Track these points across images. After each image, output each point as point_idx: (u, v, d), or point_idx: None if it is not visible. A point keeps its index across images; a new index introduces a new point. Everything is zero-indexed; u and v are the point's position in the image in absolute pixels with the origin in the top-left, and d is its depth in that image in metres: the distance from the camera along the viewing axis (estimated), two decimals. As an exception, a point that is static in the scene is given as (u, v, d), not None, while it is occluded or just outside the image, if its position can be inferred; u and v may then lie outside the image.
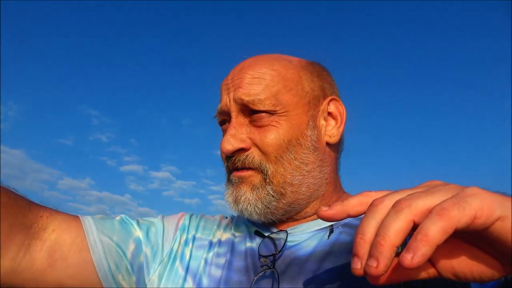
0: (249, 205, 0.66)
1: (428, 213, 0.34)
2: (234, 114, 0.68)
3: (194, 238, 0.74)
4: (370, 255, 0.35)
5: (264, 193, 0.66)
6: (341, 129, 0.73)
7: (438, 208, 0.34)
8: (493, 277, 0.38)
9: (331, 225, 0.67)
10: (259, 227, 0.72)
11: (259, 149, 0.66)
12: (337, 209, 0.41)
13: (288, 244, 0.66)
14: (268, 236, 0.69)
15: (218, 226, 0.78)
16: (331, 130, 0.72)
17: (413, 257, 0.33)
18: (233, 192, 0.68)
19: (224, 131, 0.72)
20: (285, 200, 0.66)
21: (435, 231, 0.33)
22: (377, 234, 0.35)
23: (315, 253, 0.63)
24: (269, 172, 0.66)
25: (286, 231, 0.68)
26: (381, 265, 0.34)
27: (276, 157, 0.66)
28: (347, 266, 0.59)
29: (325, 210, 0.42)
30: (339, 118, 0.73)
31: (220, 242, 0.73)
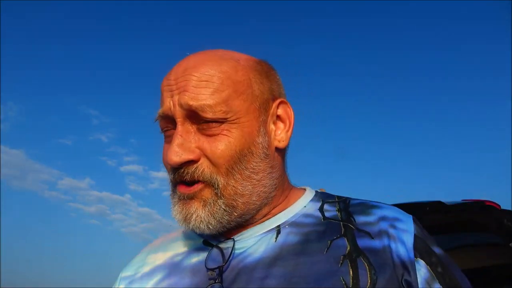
0: (201, 223, 0.62)
1: None
2: (180, 121, 0.62)
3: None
4: None
5: (216, 208, 0.62)
6: (289, 133, 0.70)
7: None
8: None
9: (278, 226, 0.65)
10: (207, 237, 0.68)
11: (209, 160, 0.62)
12: None
13: (236, 252, 0.64)
14: (216, 246, 0.66)
15: (153, 251, 0.75)
16: (280, 135, 0.69)
17: None
18: (182, 209, 0.63)
19: (167, 138, 0.66)
20: (236, 213, 0.63)
21: None
22: None
23: (262, 259, 0.61)
24: (220, 185, 0.61)
25: (233, 239, 0.65)
26: None
27: (227, 169, 0.62)
28: (296, 269, 0.58)
29: None
30: (287, 121, 0.70)
31: (156, 268, 0.70)
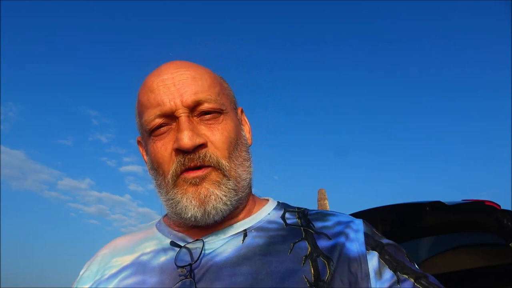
0: (220, 202, 0.65)
1: None
2: (184, 114, 0.66)
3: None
4: None
5: (228, 187, 0.67)
6: (251, 137, 0.80)
7: None
8: None
9: (245, 230, 0.70)
10: (174, 238, 0.72)
11: (214, 145, 0.67)
12: None
13: (206, 252, 0.67)
14: (184, 247, 0.69)
15: (119, 254, 0.76)
16: (247, 135, 0.79)
17: None
18: (198, 193, 0.65)
19: (162, 134, 0.68)
20: (237, 196, 0.69)
21: None
22: None
23: (230, 258, 0.65)
24: (226, 168, 0.67)
25: (202, 240, 0.68)
26: None
27: (229, 153, 0.68)
28: (262, 268, 0.63)
29: None
30: (247, 126, 0.81)
31: (123, 268, 0.72)
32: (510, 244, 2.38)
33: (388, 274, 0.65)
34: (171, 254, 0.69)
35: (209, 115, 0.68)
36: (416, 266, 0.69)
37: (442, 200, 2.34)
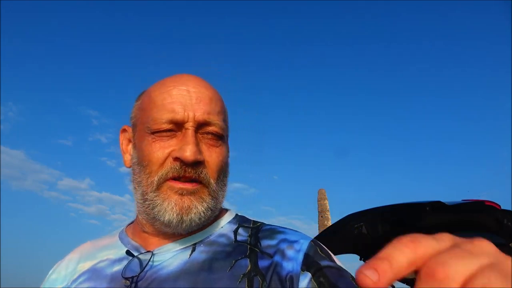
0: (198, 217, 0.69)
1: None
2: (193, 128, 0.70)
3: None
4: None
5: (208, 207, 0.70)
6: None
7: None
8: None
9: (194, 244, 0.72)
10: (130, 247, 0.75)
11: (209, 166, 0.71)
12: (386, 275, 0.29)
13: (154, 263, 0.70)
14: (136, 257, 0.72)
15: (82, 260, 0.80)
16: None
17: None
18: (182, 202, 0.68)
19: (165, 137, 0.70)
20: (212, 215, 0.73)
21: None
22: None
23: (173, 272, 0.68)
24: (214, 188, 0.71)
25: (152, 252, 0.71)
26: None
27: (218, 176, 0.72)
28: (197, 283, 0.65)
29: (371, 276, 0.29)
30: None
31: (82, 273, 0.76)
32: (510, 244, 2.38)
33: None
34: (124, 263, 0.72)
35: (211, 137, 0.72)
36: None
37: (442, 200, 2.34)
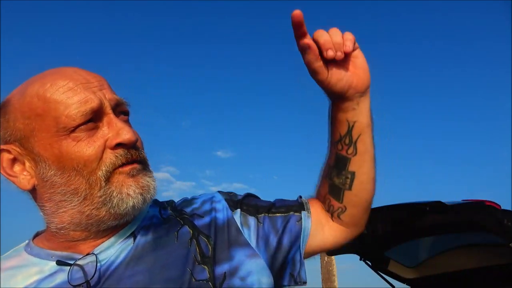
0: (153, 193, 0.69)
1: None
2: (112, 111, 0.67)
3: None
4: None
5: (155, 183, 0.71)
6: None
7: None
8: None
9: (133, 232, 0.71)
10: (60, 257, 0.67)
11: (139, 144, 0.71)
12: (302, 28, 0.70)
13: (102, 263, 0.66)
14: (74, 264, 0.65)
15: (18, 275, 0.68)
16: None
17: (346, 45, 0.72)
18: (141, 182, 0.67)
19: (89, 132, 0.64)
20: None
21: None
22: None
23: (125, 261, 0.67)
24: (149, 164, 0.72)
25: (94, 254, 0.66)
26: None
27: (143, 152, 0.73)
28: (157, 261, 0.67)
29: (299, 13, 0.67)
30: None
31: None
32: (510, 244, 2.38)
33: (251, 220, 0.79)
34: (61, 276, 0.65)
35: (126, 116, 0.71)
36: (267, 200, 0.85)
37: (442, 200, 2.33)
